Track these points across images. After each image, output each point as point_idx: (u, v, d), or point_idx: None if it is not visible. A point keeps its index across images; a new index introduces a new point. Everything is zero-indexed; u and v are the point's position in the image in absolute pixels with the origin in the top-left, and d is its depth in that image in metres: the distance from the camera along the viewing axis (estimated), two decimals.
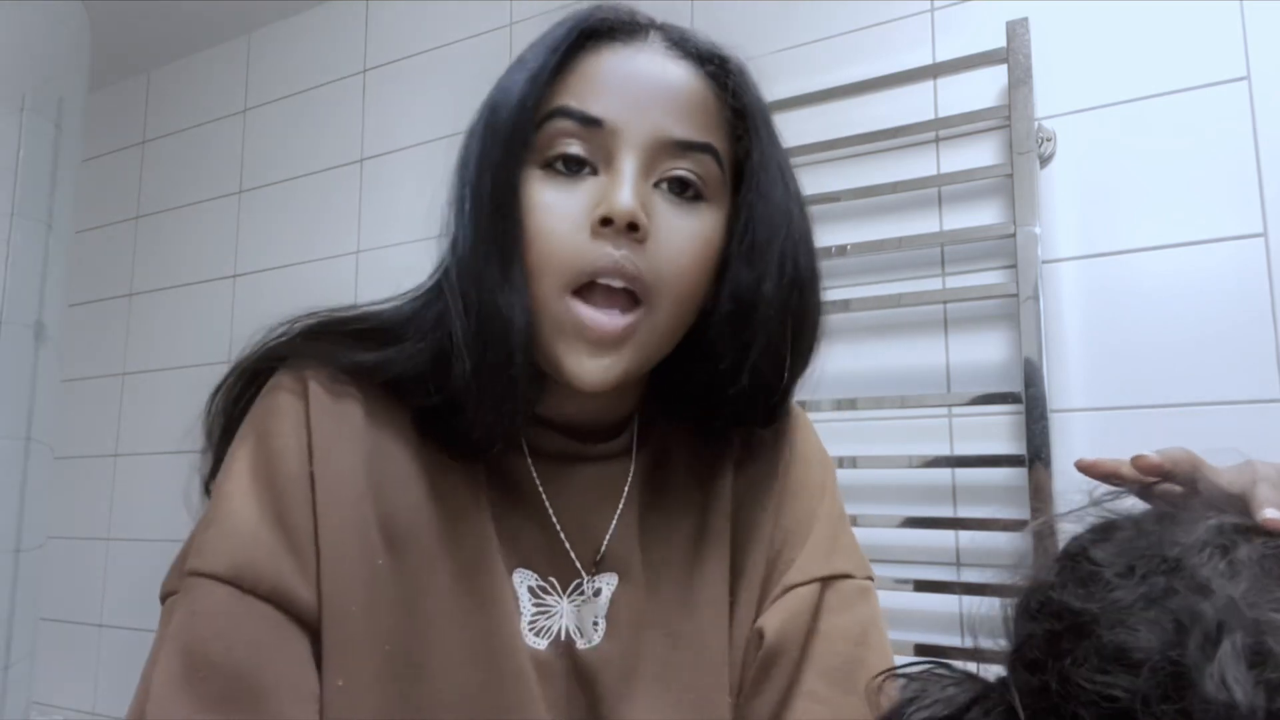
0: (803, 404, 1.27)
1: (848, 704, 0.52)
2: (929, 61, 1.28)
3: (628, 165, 0.48)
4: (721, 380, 0.52)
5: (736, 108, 0.52)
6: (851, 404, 1.25)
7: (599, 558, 0.54)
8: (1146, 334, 1.11)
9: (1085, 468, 0.48)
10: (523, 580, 0.52)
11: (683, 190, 0.50)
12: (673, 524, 0.57)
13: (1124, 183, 1.14)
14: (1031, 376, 1.11)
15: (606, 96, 0.49)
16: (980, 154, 1.23)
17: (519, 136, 0.49)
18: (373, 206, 1.82)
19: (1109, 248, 1.14)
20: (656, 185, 0.49)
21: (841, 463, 1.24)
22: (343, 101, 1.89)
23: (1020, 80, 1.17)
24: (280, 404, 0.50)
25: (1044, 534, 0.43)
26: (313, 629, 0.47)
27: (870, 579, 0.59)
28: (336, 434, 0.49)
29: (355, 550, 0.48)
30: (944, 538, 1.18)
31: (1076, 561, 0.36)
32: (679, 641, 0.54)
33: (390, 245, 1.77)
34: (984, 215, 1.22)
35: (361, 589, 0.47)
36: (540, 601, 0.52)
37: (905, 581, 1.17)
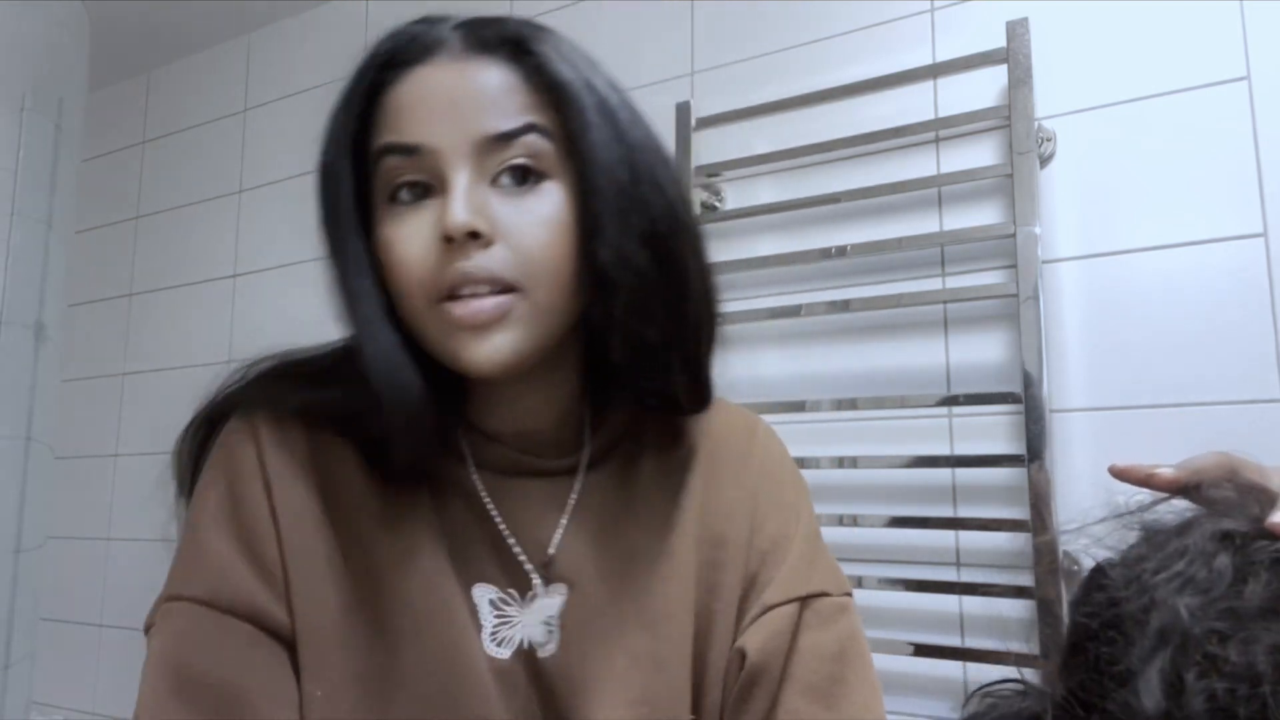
0: (803, 404, 1.28)
1: None
2: (929, 61, 1.28)
3: (456, 179, 0.49)
4: (626, 364, 0.53)
5: (545, 84, 0.51)
6: (851, 404, 1.25)
7: (547, 569, 0.56)
8: (1146, 334, 1.11)
9: (1118, 473, 0.48)
10: (483, 594, 0.54)
11: (525, 177, 0.50)
12: (633, 539, 0.57)
13: (1124, 183, 1.14)
14: (1031, 376, 1.11)
15: (416, 122, 0.50)
16: (980, 154, 1.23)
17: (343, 183, 0.51)
18: None
19: (1109, 248, 1.14)
20: (495, 182, 0.50)
21: (841, 463, 1.24)
22: None
23: (1020, 80, 1.17)
24: (235, 449, 0.54)
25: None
26: (289, 645, 0.50)
27: (849, 594, 0.59)
28: (288, 470, 0.52)
29: (320, 574, 0.51)
30: (943, 538, 1.18)
31: (1094, 578, 0.36)
32: (637, 657, 0.54)
33: None
34: (984, 215, 1.22)
35: (328, 612, 0.50)
36: (501, 613, 0.54)
37: (904, 582, 1.17)
